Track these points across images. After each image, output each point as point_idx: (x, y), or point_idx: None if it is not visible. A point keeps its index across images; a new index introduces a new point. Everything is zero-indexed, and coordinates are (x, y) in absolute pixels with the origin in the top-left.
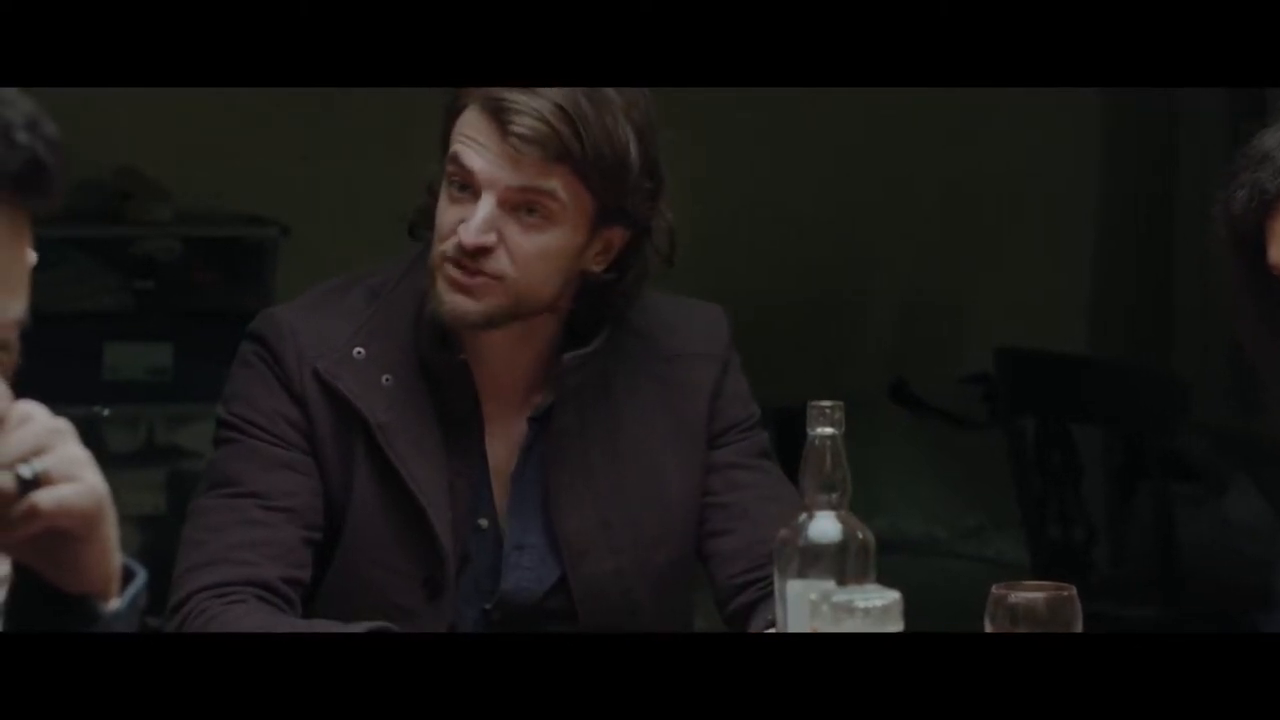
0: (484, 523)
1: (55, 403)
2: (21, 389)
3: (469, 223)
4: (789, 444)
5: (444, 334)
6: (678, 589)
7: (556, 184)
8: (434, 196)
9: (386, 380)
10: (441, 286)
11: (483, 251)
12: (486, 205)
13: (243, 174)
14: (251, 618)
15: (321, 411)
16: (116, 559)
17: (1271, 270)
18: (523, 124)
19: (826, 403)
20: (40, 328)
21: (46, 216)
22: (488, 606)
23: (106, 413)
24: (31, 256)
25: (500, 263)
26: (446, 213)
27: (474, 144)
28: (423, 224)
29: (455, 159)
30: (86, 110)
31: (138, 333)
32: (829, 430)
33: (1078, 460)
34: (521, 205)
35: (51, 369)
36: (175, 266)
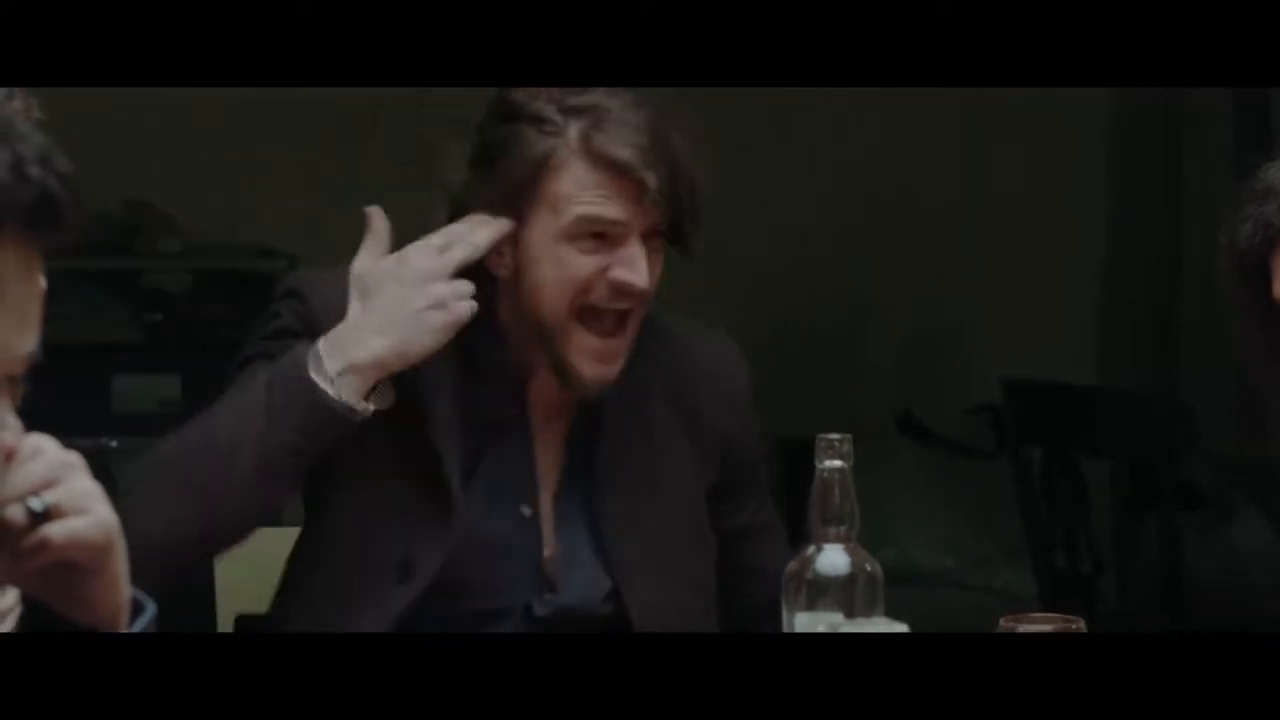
0: (527, 511)
1: (64, 435)
2: (31, 421)
3: (634, 268)
4: (796, 475)
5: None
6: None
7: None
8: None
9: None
10: (578, 356)
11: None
12: (638, 247)
13: (252, 206)
14: None
15: None
16: (125, 591)
17: (1276, 301)
18: (649, 179)
19: (835, 435)
20: (49, 360)
21: (58, 250)
22: (533, 606)
23: (115, 445)
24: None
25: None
26: (580, 264)
27: (604, 199)
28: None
29: (589, 219)
30: (96, 142)
31: (147, 365)
32: (838, 463)
33: (1084, 490)
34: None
35: (61, 401)
36: (185, 299)
